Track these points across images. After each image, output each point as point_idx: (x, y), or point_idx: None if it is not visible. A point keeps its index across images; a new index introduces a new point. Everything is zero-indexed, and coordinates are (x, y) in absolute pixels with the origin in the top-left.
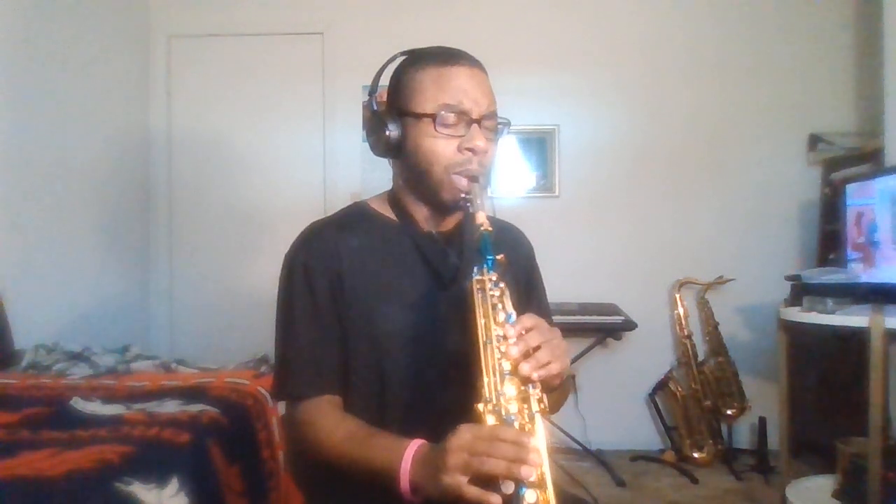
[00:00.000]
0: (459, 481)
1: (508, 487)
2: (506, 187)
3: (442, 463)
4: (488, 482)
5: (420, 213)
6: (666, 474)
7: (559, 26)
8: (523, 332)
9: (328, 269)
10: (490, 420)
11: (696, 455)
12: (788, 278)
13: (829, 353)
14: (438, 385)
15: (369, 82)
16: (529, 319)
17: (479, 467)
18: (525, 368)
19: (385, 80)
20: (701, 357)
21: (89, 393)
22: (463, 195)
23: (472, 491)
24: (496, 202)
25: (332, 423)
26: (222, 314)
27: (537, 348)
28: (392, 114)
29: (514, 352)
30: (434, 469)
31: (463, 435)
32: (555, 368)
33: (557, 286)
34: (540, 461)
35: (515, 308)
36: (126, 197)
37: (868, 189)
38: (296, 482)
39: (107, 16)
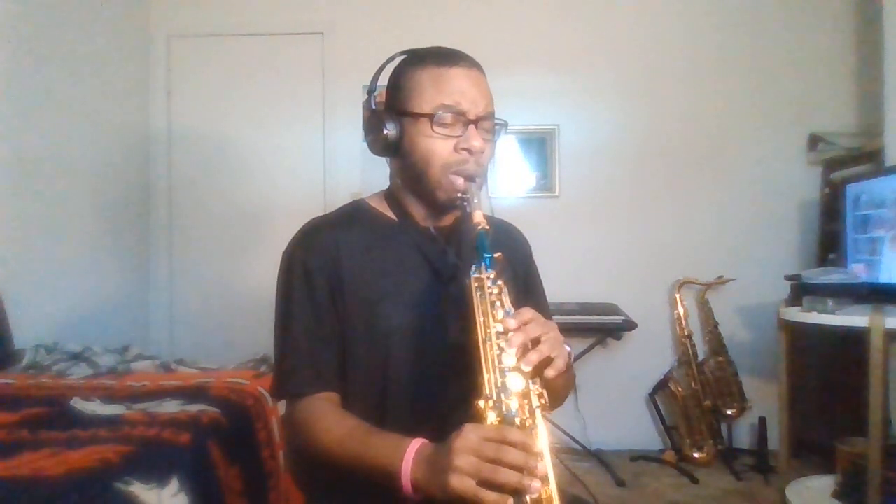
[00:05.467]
0: (469, 485)
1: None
2: (506, 187)
3: (448, 464)
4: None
5: (418, 210)
6: (666, 474)
7: (559, 26)
8: (522, 325)
9: (327, 266)
10: (491, 416)
11: (696, 455)
12: (788, 278)
13: (829, 353)
14: (440, 382)
15: (369, 82)
16: (528, 313)
17: (489, 477)
18: (532, 358)
19: (384, 80)
20: (701, 357)
21: (89, 393)
22: (459, 194)
23: (490, 496)
24: (494, 202)
25: (331, 420)
26: (222, 314)
27: (537, 340)
28: (390, 113)
29: (517, 340)
30: (439, 469)
31: (468, 436)
32: (559, 364)
33: (557, 286)
34: (544, 461)
35: (514, 305)
36: (126, 197)
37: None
38: (295, 482)
39: (107, 16)
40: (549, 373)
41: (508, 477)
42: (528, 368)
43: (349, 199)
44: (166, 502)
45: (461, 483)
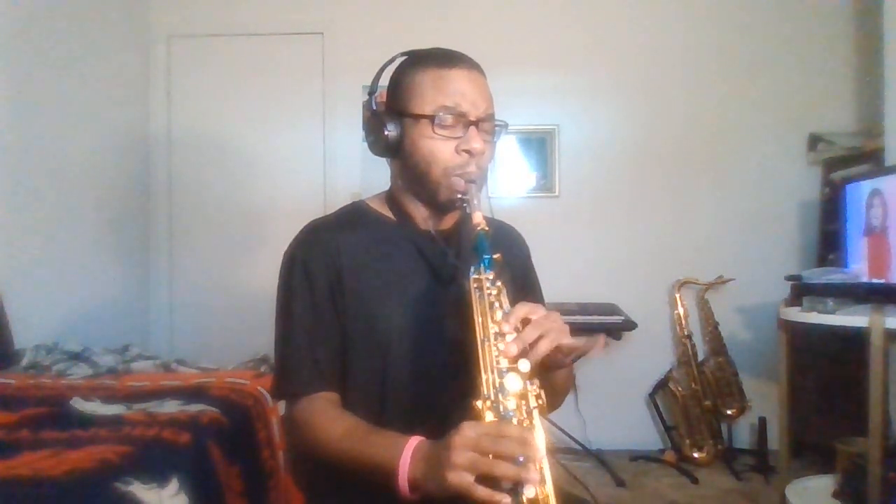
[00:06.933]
0: (467, 480)
1: (510, 484)
2: (506, 187)
3: (446, 460)
4: (492, 481)
5: (418, 212)
6: (666, 474)
7: (559, 26)
8: (518, 326)
9: (327, 267)
10: (489, 416)
11: (696, 455)
12: (788, 278)
13: (829, 353)
14: (439, 382)
15: (369, 82)
16: (524, 308)
17: (487, 470)
18: (525, 367)
19: (385, 81)
20: (701, 357)
21: (89, 393)
22: (460, 195)
23: (483, 492)
24: (494, 202)
25: (330, 420)
26: (222, 314)
27: (536, 341)
28: (391, 114)
29: (514, 350)
30: (437, 466)
31: (466, 433)
32: (544, 347)
33: (557, 286)
34: (541, 458)
35: (512, 306)
36: (126, 197)
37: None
38: (295, 482)
39: (107, 16)
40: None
41: (505, 469)
42: (525, 369)
43: (349, 199)
44: (166, 502)
45: (458, 478)
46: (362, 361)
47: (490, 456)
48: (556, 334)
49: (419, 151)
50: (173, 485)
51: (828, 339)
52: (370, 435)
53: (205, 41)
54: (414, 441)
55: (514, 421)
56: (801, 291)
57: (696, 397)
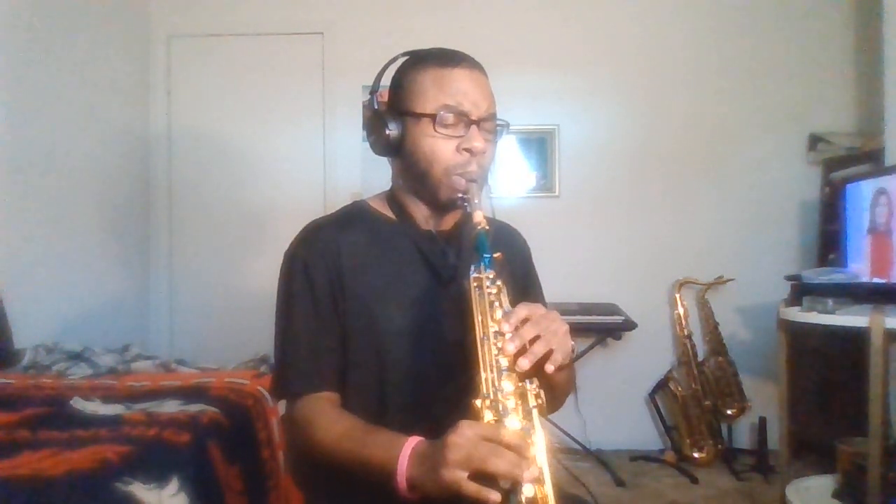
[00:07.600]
0: (459, 476)
1: (507, 483)
2: (506, 187)
3: (442, 458)
4: (487, 479)
5: (419, 211)
6: (666, 474)
7: (559, 26)
8: (519, 325)
9: (328, 266)
10: (487, 415)
11: (696, 455)
12: (788, 278)
13: (829, 353)
14: (438, 382)
15: (369, 82)
16: (524, 309)
17: (481, 466)
18: (524, 364)
19: (386, 81)
20: (701, 357)
21: (89, 393)
22: (460, 194)
23: (471, 487)
24: (495, 202)
25: (329, 420)
26: (222, 314)
27: (535, 340)
28: (393, 113)
29: (511, 348)
30: (434, 464)
31: (464, 432)
32: (557, 359)
33: (557, 286)
34: (539, 463)
35: (512, 305)
36: (126, 197)
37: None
38: (295, 482)
39: (107, 16)
40: (548, 368)
41: (499, 466)
42: (525, 365)
43: (349, 199)
44: (166, 502)
45: (452, 475)
46: (362, 361)
47: (486, 454)
48: (552, 338)
49: (420, 150)
50: (173, 485)
51: (828, 339)
52: (369, 435)
53: (205, 41)
54: (413, 441)
55: (514, 420)
56: (801, 291)
57: (696, 397)
